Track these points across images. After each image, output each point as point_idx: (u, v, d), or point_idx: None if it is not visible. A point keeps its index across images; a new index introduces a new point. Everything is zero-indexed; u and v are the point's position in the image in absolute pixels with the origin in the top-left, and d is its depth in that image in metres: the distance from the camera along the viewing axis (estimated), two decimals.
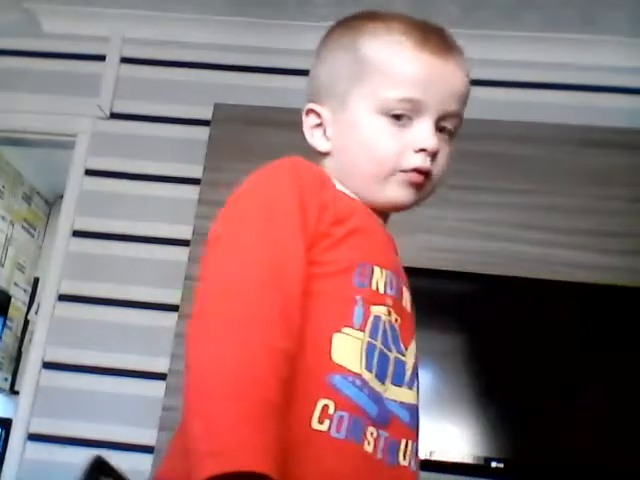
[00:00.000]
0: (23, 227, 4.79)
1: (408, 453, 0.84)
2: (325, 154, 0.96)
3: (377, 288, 0.85)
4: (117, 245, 2.68)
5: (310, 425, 0.77)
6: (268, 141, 2.42)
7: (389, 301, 0.86)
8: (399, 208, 0.96)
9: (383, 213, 0.97)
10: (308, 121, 0.97)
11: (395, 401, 0.84)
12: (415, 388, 0.89)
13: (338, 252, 0.84)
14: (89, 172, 2.82)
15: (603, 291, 2.41)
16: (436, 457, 2.25)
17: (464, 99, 0.96)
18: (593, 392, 2.33)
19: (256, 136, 2.56)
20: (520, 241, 2.48)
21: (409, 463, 0.84)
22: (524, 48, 2.74)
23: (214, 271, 0.79)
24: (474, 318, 2.45)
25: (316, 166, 0.92)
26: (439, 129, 0.93)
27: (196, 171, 2.66)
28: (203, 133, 2.66)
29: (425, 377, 2.38)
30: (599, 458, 2.27)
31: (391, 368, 0.84)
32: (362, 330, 0.82)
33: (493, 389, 2.38)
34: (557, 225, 2.48)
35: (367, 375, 0.81)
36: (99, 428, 2.50)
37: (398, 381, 0.85)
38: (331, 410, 0.78)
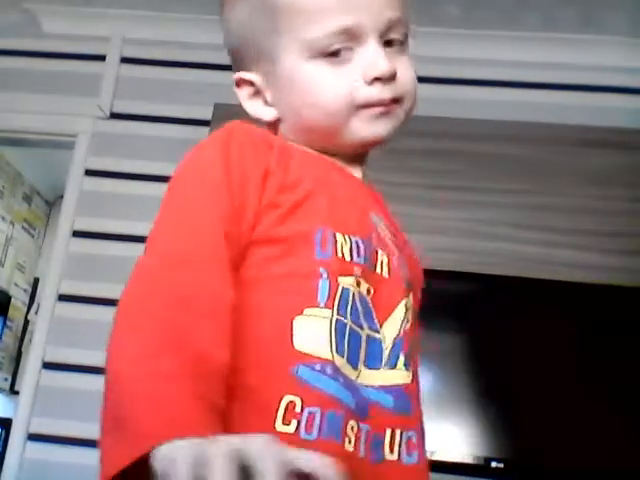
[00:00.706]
0: (23, 227, 4.79)
1: (396, 445, 0.74)
2: (275, 122, 0.86)
3: (343, 256, 0.75)
4: (117, 245, 2.68)
5: (274, 427, 0.67)
6: None
7: (357, 270, 0.75)
8: (377, 143, 0.86)
9: (357, 157, 0.88)
10: (242, 93, 0.87)
11: (372, 386, 0.73)
12: (403, 365, 0.77)
13: (292, 223, 0.75)
14: (89, 172, 2.82)
15: (603, 291, 2.41)
16: (436, 457, 2.25)
17: (401, 0, 0.84)
18: (593, 392, 2.33)
19: None
20: (520, 241, 2.48)
21: (399, 456, 0.74)
22: (524, 48, 2.74)
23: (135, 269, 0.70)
24: (474, 318, 2.45)
25: (258, 129, 0.82)
26: (386, 44, 0.82)
27: None
28: (203, 133, 2.66)
29: (425, 377, 2.37)
30: (599, 458, 2.27)
31: (363, 349, 0.74)
32: (329, 307, 0.72)
33: (493, 389, 2.38)
34: (557, 225, 2.48)
35: (339, 360, 0.71)
36: (99, 428, 2.50)
37: (372, 363, 0.74)
38: (298, 408, 0.68)
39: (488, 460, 2.31)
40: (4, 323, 4.65)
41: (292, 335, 0.70)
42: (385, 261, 0.80)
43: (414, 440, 0.77)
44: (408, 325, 0.80)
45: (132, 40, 2.92)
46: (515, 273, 2.44)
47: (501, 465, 2.29)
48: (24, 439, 2.57)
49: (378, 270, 0.78)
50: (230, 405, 0.64)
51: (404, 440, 0.75)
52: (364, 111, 0.81)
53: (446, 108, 2.66)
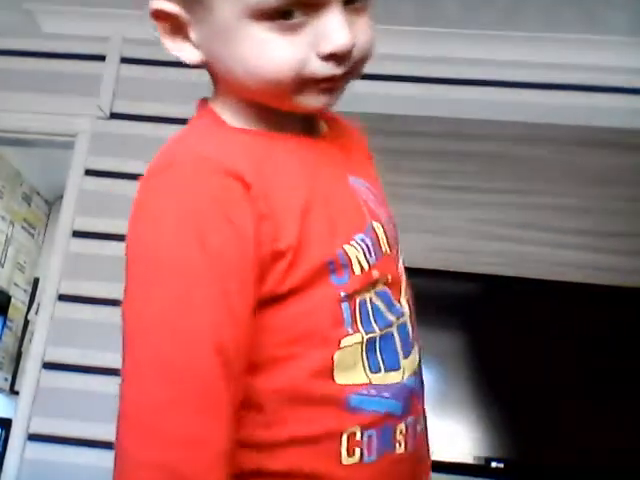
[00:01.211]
0: (23, 227, 4.79)
1: (420, 414, 0.79)
2: (200, 65, 0.76)
3: (361, 268, 0.71)
4: (117, 245, 2.68)
5: (340, 463, 0.69)
6: None
7: (375, 273, 0.73)
8: (320, 111, 0.78)
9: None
10: (161, 27, 0.74)
11: (410, 377, 0.76)
12: (415, 341, 0.79)
13: (300, 268, 0.68)
14: (89, 172, 2.82)
15: (603, 291, 2.41)
16: (436, 457, 2.25)
17: None
18: (593, 392, 2.33)
19: None
20: (520, 241, 2.48)
21: (423, 422, 0.80)
22: (524, 48, 2.74)
23: (125, 364, 0.66)
24: (475, 318, 2.45)
25: (215, 160, 0.68)
26: (347, 1, 0.70)
27: None
28: None
29: (426, 377, 2.38)
30: (599, 458, 2.27)
31: (399, 344, 0.74)
32: (357, 330, 0.70)
33: (494, 389, 2.38)
34: (557, 225, 2.48)
35: (377, 377, 0.71)
36: (99, 428, 2.50)
37: (407, 351, 0.76)
38: (358, 436, 0.69)
39: (488, 460, 2.31)
40: (4, 323, 4.65)
41: (333, 372, 0.69)
42: (382, 234, 0.76)
43: (423, 404, 0.82)
44: (406, 284, 0.81)
45: (132, 40, 2.92)
46: (516, 273, 2.44)
47: (501, 465, 2.29)
48: (24, 439, 2.57)
49: (384, 249, 0.76)
50: (294, 457, 0.68)
51: (421, 409, 0.80)
52: (312, 86, 0.71)
53: (446, 108, 2.66)
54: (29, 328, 4.59)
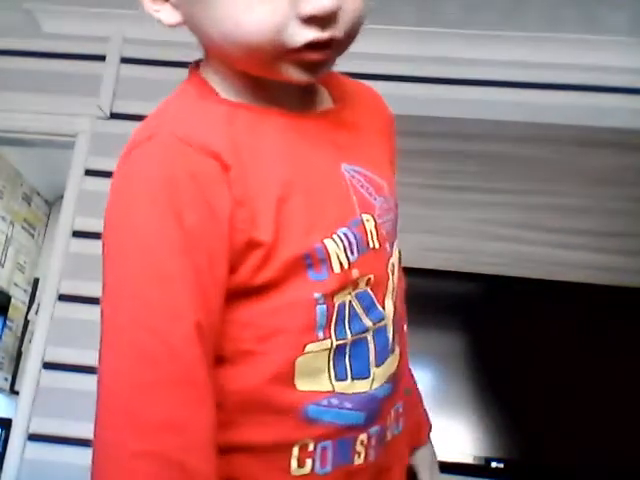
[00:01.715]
0: (23, 227, 4.79)
1: (393, 421, 0.74)
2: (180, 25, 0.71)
3: (341, 265, 0.67)
4: None
5: (289, 474, 0.66)
6: None
7: (355, 272, 0.68)
8: (308, 84, 0.71)
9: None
10: None
11: (382, 385, 0.71)
12: (396, 345, 0.74)
13: (275, 260, 0.64)
14: (89, 172, 2.82)
15: (604, 291, 2.40)
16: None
17: None
18: (594, 392, 2.33)
19: None
20: (521, 241, 2.48)
21: (396, 429, 0.75)
22: (524, 48, 2.74)
23: (102, 352, 0.64)
24: (475, 318, 2.45)
25: (194, 137, 0.64)
26: None
27: None
28: None
29: (426, 377, 2.38)
30: (599, 458, 2.27)
31: (372, 351, 0.70)
32: (327, 336, 0.66)
33: (494, 389, 2.38)
34: (557, 225, 2.48)
35: (341, 386, 0.67)
36: None
37: (382, 358, 0.72)
38: (311, 447, 0.66)
39: (488, 460, 2.31)
40: (4, 323, 4.65)
41: (294, 377, 0.65)
42: (372, 228, 0.71)
43: (400, 409, 0.76)
44: (397, 283, 0.76)
45: (132, 40, 2.92)
46: (516, 273, 2.44)
47: (501, 465, 2.29)
48: (24, 439, 2.57)
49: (370, 245, 0.71)
50: (242, 462, 0.65)
51: (394, 415, 0.75)
52: (292, 55, 0.65)
53: (446, 108, 2.66)
54: (29, 328, 4.59)
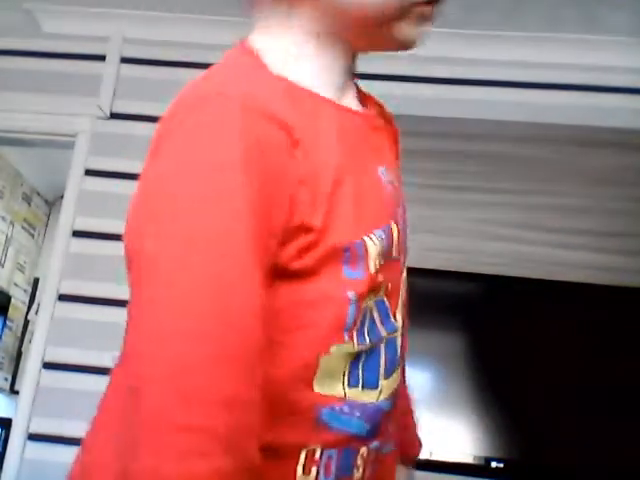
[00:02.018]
0: (23, 227, 4.79)
1: (388, 438, 0.72)
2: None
3: (375, 267, 0.65)
4: (117, 245, 2.67)
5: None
6: None
7: (381, 277, 0.66)
8: (407, 49, 0.73)
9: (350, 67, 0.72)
10: None
11: (387, 399, 0.69)
12: (402, 355, 0.73)
13: (318, 249, 0.62)
14: (89, 172, 2.82)
15: (604, 291, 2.40)
16: (436, 457, 2.25)
17: None
18: (594, 392, 2.33)
19: None
20: (521, 241, 2.48)
21: (389, 447, 0.73)
22: (524, 48, 2.74)
23: (139, 319, 0.57)
24: (475, 318, 2.45)
25: (272, 105, 0.61)
26: None
27: None
28: None
29: (426, 377, 2.38)
30: (599, 458, 2.27)
31: (382, 364, 0.68)
32: (350, 339, 0.64)
33: (494, 389, 2.38)
34: (557, 225, 2.48)
35: (353, 393, 0.66)
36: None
37: (390, 371, 0.70)
38: (317, 454, 0.64)
39: (488, 460, 2.30)
40: (4, 323, 4.65)
41: (314, 377, 0.63)
42: (396, 236, 0.70)
43: (395, 428, 0.75)
44: (405, 297, 0.75)
45: (132, 40, 2.92)
46: (516, 273, 2.44)
47: (501, 465, 2.29)
48: (24, 439, 2.57)
49: (393, 253, 0.70)
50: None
51: (390, 432, 0.73)
52: (418, 8, 0.68)
53: (447, 108, 2.66)
54: (29, 328, 4.59)
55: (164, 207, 0.58)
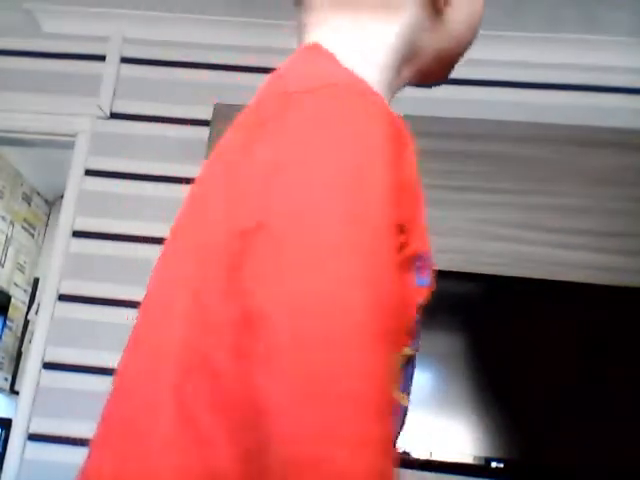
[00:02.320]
0: (23, 227, 4.79)
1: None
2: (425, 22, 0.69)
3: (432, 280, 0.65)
4: (117, 245, 2.68)
5: None
6: None
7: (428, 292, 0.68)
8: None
9: None
10: None
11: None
12: None
13: (404, 251, 0.61)
14: (89, 172, 2.82)
15: (604, 291, 2.40)
16: (436, 457, 2.25)
17: None
18: (594, 392, 2.33)
19: None
20: (521, 241, 2.48)
21: None
22: (525, 48, 2.74)
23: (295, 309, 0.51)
24: (475, 318, 2.45)
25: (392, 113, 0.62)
26: None
27: (196, 171, 2.64)
28: (203, 133, 2.66)
29: (426, 377, 2.38)
30: (600, 458, 2.27)
31: (414, 372, 0.69)
32: (410, 344, 0.65)
33: (494, 389, 2.37)
34: (557, 225, 2.48)
35: (400, 396, 0.66)
36: None
37: (412, 383, 0.70)
38: None
39: (488, 460, 2.30)
40: (4, 323, 4.65)
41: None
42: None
43: None
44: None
45: (132, 40, 2.92)
46: (516, 273, 2.44)
47: (501, 465, 2.29)
48: (24, 439, 2.57)
49: None
50: None
51: None
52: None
53: (448, 108, 2.66)
54: (29, 328, 4.59)
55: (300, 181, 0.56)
